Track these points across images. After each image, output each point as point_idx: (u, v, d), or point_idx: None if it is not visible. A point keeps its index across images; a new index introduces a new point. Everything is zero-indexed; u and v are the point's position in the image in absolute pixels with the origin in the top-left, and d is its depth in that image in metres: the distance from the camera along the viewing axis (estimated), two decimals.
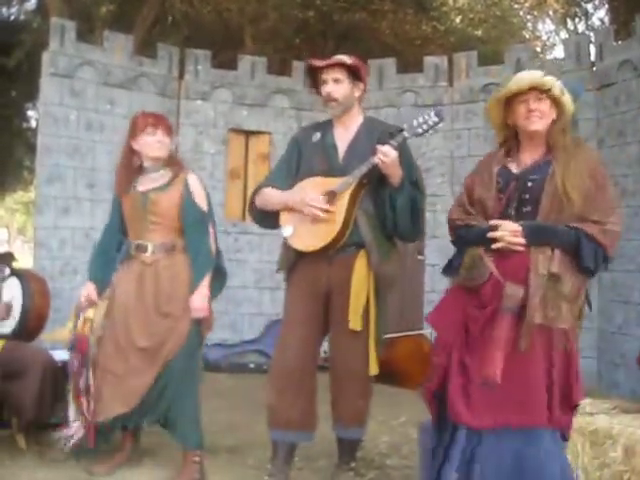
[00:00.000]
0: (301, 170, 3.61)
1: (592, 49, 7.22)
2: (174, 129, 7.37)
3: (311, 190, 3.45)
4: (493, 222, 2.79)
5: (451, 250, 3.01)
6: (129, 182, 3.78)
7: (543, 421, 2.67)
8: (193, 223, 3.67)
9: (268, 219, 3.69)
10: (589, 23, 15.21)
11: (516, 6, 15.56)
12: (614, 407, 3.75)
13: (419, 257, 7.82)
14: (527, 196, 2.82)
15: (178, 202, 3.68)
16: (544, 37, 17.58)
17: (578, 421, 3.45)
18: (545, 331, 2.70)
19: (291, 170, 3.65)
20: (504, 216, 2.82)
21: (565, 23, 15.82)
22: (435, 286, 7.54)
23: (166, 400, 3.59)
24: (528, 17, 16.39)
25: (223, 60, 9.90)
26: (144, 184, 3.75)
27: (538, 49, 15.38)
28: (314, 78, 3.67)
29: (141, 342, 3.58)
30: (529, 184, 2.82)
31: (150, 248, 3.68)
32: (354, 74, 3.57)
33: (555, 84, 2.85)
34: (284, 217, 3.56)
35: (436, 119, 3.34)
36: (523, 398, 2.67)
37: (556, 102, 2.86)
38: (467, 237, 2.92)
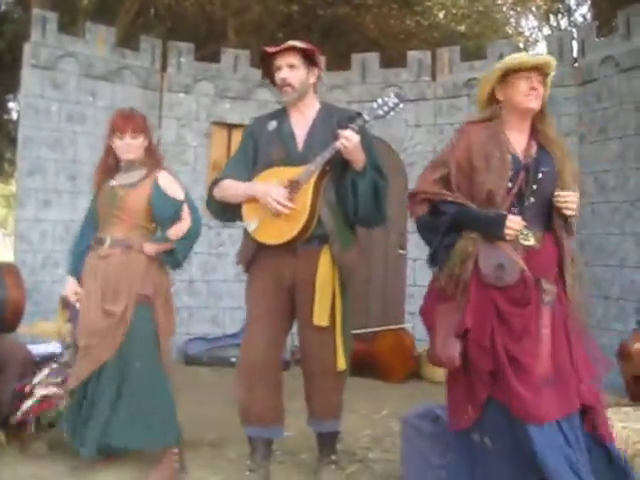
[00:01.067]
0: (259, 160, 3.54)
1: (574, 45, 7.25)
2: (156, 122, 7.38)
3: (275, 181, 3.37)
4: (511, 217, 2.76)
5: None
6: (106, 177, 3.80)
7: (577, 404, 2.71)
8: (170, 217, 3.67)
9: (228, 212, 3.62)
10: (571, 19, 15.32)
11: (499, 2, 15.63)
12: None
13: (401, 251, 7.83)
14: (535, 187, 2.83)
15: (145, 200, 3.68)
16: (527, 33, 17.69)
17: None
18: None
19: (249, 161, 3.58)
20: (511, 207, 2.81)
21: (548, 19, 15.91)
22: (417, 280, 7.55)
23: (131, 405, 3.56)
24: (511, 13, 16.47)
25: (206, 53, 9.85)
26: (118, 179, 3.77)
27: (521, 45, 15.42)
28: (268, 67, 3.60)
29: (83, 340, 3.60)
30: (539, 175, 2.83)
31: (108, 242, 3.68)
32: (309, 59, 3.52)
33: (552, 65, 2.90)
34: (247, 209, 3.49)
35: (396, 100, 3.33)
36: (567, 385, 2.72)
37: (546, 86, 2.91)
38: (459, 217, 2.81)
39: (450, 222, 2.82)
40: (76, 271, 3.79)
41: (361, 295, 7.87)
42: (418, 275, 7.59)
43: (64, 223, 7.09)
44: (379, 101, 3.33)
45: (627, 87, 6.49)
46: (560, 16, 15.57)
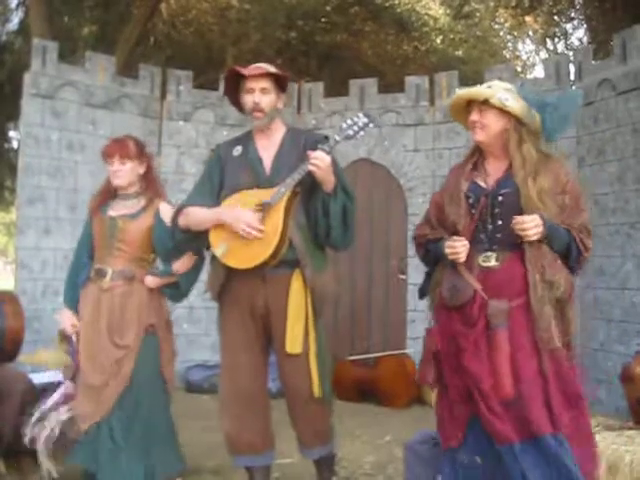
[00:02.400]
0: (225, 186, 3.45)
1: (571, 68, 7.29)
2: (156, 150, 7.40)
3: (243, 205, 3.30)
4: (453, 238, 2.86)
5: None
6: (102, 203, 3.77)
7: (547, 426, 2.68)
8: (170, 250, 3.65)
9: (194, 240, 3.50)
10: (568, 43, 15.43)
11: (496, 26, 15.75)
12: (597, 424, 3.75)
13: (401, 276, 7.83)
14: (497, 210, 2.87)
15: (146, 232, 3.66)
16: (524, 57, 17.84)
17: None
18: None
19: (214, 187, 3.48)
20: (477, 231, 2.87)
21: (545, 43, 16.02)
22: (417, 305, 7.53)
23: (138, 436, 3.55)
24: (508, 37, 16.61)
25: (205, 81, 9.92)
26: (116, 209, 3.73)
27: (518, 69, 15.57)
28: (233, 85, 3.53)
29: (92, 379, 3.56)
30: (500, 198, 2.87)
31: (109, 274, 3.65)
32: (279, 84, 3.48)
33: (494, 94, 2.89)
34: (215, 235, 3.36)
35: (365, 120, 3.29)
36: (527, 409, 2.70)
37: (505, 112, 2.89)
38: (435, 251, 2.97)
39: (431, 257, 3.05)
40: (72, 302, 3.76)
41: (362, 321, 7.86)
42: (419, 300, 7.55)
43: (64, 251, 7.09)
44: (348, 121, 3.29)
45: (624, 109, 6.51)
46: (557, 40, 15.68)
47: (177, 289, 3.70)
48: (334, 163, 3.32)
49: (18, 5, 12.97)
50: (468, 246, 2.86)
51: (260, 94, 3.42)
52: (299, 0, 12.72)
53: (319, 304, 3.41)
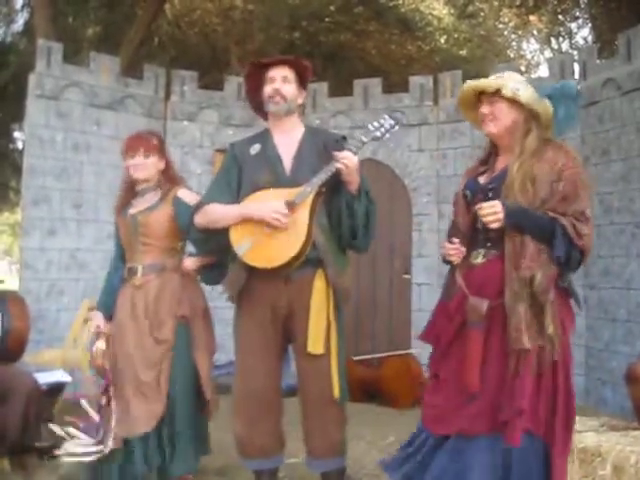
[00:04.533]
0: (244, 185, 3.39)
1: (576, 68, 7.28)
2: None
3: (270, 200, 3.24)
4: (450, 240, 2.88)
5: (438, 269, 3.03)
6: (125, 204, 3.79)
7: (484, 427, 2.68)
8: None
9: (212, 240, 3.43)
10: (573, 42, 15.41)
11: (500, 26, 15.72)
12: (602, 424, 3.74)
13: (405, 276, 7.82)
14: None
15: (167, 221, 3.66)
16: (528, 56, 17.80)
17: None
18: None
19: (232, 186, 3.42)
20: (474, 229, 2.83)
21: (549, 42, 16.01)
22: (422, 305, 7.53)
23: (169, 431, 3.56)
24: (512, 36, 16.57)
25: (209, 81, 9.93)
26: (136, 206, 3.75)
27: (523, 68, 15.53)
28: (256, 82, 3.50)
29: (144, 376, 3.53)
30: (490, 194, 2.81)
31: (140, 270, 3.66)
32: (301, 78, 3.47)
33: (505, 85, 2.82)
34: (236, 233, 3.28)
35: (392, 122, 3.27)
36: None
37: (516, 103, 2.81)
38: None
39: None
40: (105, 306, 3.77)
41: (366, 321, 7.86)
42: (423, 300, 7.57)
43: (69, 252, 7.11)
44: (375, 123, 3.26)
45: (629, 109, 6.50)
46: (561, 39, 15.68)
47: (215, 269, 3.62)
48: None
49: (23, 6, 13.00)
50: (462, 249, 2.83)
51: (282, 82, 3.41)
52: (303, 0, 12.73)
53: (342, 304, 3.39)
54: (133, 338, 3.59)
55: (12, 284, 10.54)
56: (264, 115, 3.58)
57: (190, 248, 3.74)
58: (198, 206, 3.46)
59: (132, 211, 3.73)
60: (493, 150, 2.99)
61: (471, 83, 2.97)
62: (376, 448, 4.94)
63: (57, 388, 4.70)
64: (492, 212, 2.66)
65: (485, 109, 2.88)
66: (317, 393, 3.34)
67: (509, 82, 2.85)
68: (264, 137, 3.50)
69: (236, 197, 3.38)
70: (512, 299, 2.65)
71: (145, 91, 7.95)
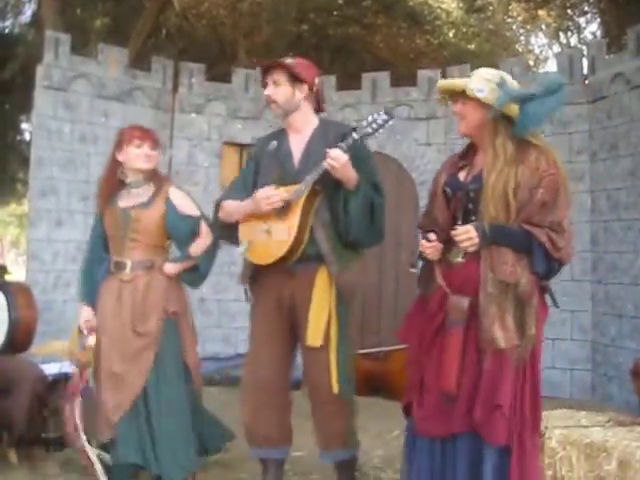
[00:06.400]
0: (259, 181, 3.47)
1: (584, 62, 7.25)
2: (168, 142, 7.41)
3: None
4: (427, 237, 2.85)
5: None
6: (110, 196, 3.75)
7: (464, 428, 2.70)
8: (186, 236, 3.66)
9: (232, 233, 3.55)
10: (581, 37, 15.36)
11: (509, 20, 15.67)
12: (608, 420, 3.73)
13: (412, 270, 7.79)
14: (471, 206, 2.80)
15: (160, 219, 3.66)
16: (537, 50, 17.75)
17: (573, 434, 3.44)
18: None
19: (247, 182, 3.53)
20: (452, 226, 2.80)
21: (558, 37, 15.95)
22: None
23: (158, 429, 3.53)
24: (521, 31, 16.53)
25: (217, 73, 9.93)
26: (125, 200, 3.71)
27: (531, 62, 15.49)
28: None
29: (116, 367, 3.54)
30: (471, 194, 2.80)
31: (129, 266, 3.65)
32: (294, 76, 3.44)
33: (467, 85, 2.80)
34: (241, 231, 3.47)
35: (385, 117, 3.21)
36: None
37: (483, 103, 2.78)
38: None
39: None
40: (89, 297, 3.74)
41: (373, 314, 7.86)
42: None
43: (76, 243, 7.12)
44: (368, 119, 3.23)
45: (638, 104, 6.47)
46: (570, 34, 15.62)
47: (196, 272, 3.73)
48: (363, 158, 3.32)
49: None
50: (439, 247, 2.82)
51: (272, 87, 3.45)
52: None
53: (347, 300, 3.41)
54: (114, 330, 3.60)
55: (19, 275, 10.57)
56: None
57: (174, 249, 3.79)
58: (218, 203, 3.60)
59: (122, 204, 3.69)
60: (472, 145, 3.00)
61: (441, 83, 3.00)
62: (382, 441, 4.94)
63: (63, 379, 4.70)
64: (467, 238, 2.68)
65: (455, 108, 2.92)
66: (317, 385, 3.38)
67: (472, 82, 2.82)
68: (281, 134, 3.58)
69: (251, 192, 3.44)
70: (485, 300, 2.67)
71: (153, 83, 7.95)
